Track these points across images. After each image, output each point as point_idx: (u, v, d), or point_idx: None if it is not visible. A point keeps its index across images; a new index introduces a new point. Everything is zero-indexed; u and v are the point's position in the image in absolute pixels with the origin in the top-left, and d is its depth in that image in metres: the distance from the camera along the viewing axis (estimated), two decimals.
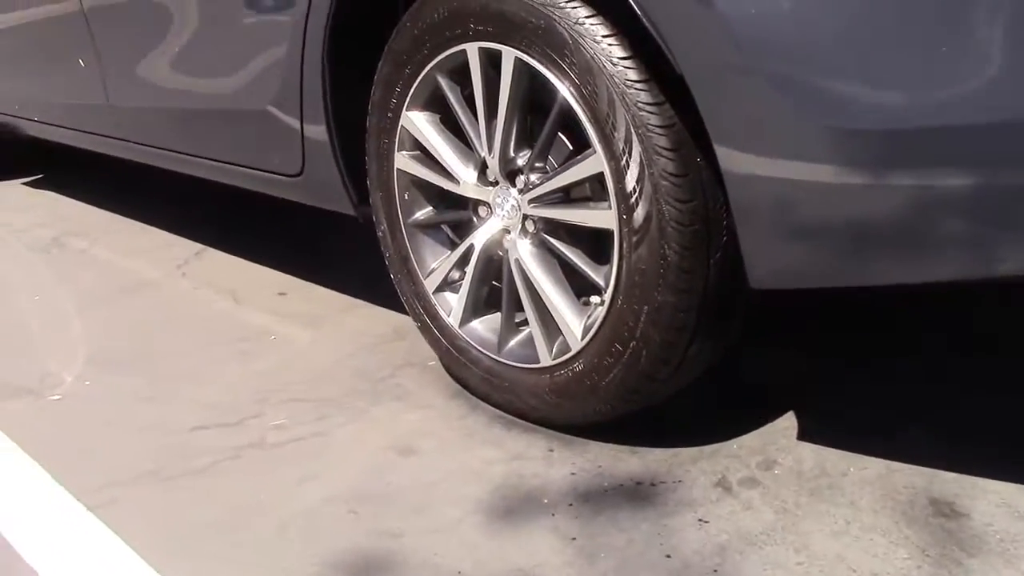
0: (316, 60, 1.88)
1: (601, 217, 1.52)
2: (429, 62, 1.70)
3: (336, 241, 2.78)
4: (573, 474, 1.58)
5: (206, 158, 2.33)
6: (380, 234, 1.92)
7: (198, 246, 2.86)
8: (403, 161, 1.81)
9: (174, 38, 2.26)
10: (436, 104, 1.76)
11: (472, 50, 1.62)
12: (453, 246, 1.84)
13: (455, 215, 1.81)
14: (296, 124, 1.99)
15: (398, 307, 2.04)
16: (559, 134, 1.59)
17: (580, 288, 1.64)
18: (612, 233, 1.50)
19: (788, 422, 1.69)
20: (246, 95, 2.09)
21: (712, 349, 1.56)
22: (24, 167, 3.86)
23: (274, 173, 2.13)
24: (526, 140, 1.64)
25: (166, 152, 2.48)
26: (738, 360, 1.85)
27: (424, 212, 1.85)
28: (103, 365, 2.10)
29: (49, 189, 3.66)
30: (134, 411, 1.89)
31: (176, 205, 3.24)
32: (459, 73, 1.69)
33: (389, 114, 1.80)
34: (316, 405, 1.86)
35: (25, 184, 3.76)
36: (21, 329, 2.37)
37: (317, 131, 1.96)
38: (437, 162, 1.77)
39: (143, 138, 2.55)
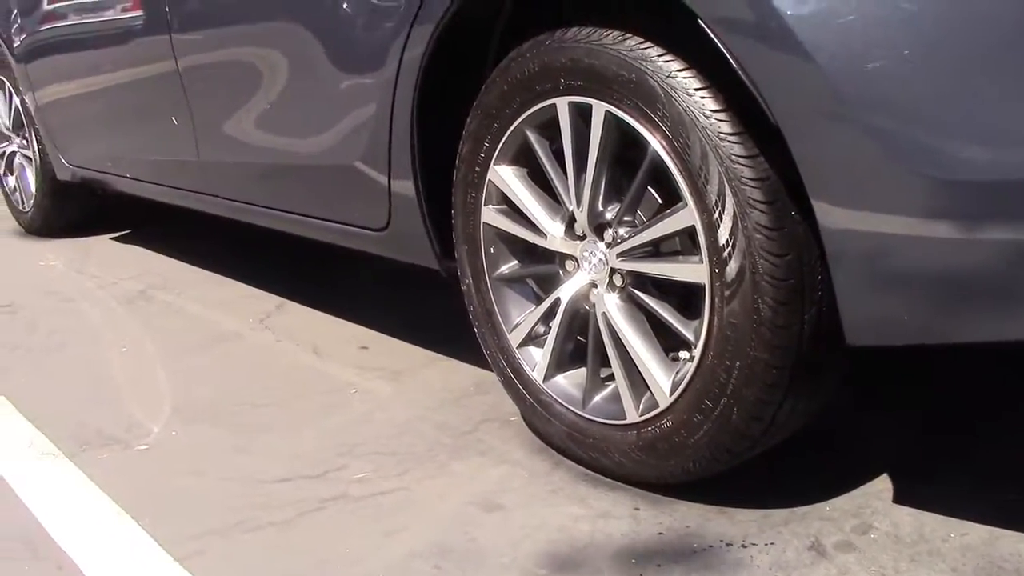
0: (405, 118, 1.90)
1: (692, 271, 1.50)
2: (518, 117, 1.71)
3: (416, 294, 2.79)
4: (661, 534, 1.55)
5: (293, 212, 2.37)
6: (464, 287, 1.92)
7: (278, 299, 2.90)
8: (490, 215, 1.82)
9: (265, 96, 2.31)
10: (524, 158, 1.77)
11: (562, 104, 1.62)
12: (538, 300, 1.83)
13: (541, 269, 1.81)
14: (384, 180, 2.01)
15: (480, 361, 2.04)
16: (648, 187, 1.58)
17: (668, 343, 1.62)
18: (703, 287, 1.48)
19: (884, 484, 1.64)
20: (334, 151, 2.13)
21: (805, 407, 1.52)
22: (112, 222, 3.95)
23: (360, 227, 2.15)
24: (615, 193, 1.63)
25: (254, 207, 2.52)
26: (832, 419, 1.80)
27: (509, 266, 1.85)
28: (189, 416, 2.13)
29: (136, 244, 3.74)
30: (220, 462, 1.90)
31: (257, 258, 3.29)
32: (548, 127, 1.69)
33: (476, 168, 1.81)
34: (399, 458, 1.86)
35: (114, 239, 3.86)
36: (108, 379, 2.41)
37: (404, 186, 1.98)
38: (524, 216, 1.77)
39: (232, 193, 2.60)
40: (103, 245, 3.79)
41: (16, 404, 2.24)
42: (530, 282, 1.86)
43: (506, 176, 1.77)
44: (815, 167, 1.30)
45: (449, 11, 1.74)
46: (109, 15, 2.94)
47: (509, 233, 1.80)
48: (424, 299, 2.75)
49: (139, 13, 2.76)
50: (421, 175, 1.96)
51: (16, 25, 3.52)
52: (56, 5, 3.25)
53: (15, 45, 3.54)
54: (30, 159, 3.81)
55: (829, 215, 1.31)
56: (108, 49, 2.99)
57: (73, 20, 3.18)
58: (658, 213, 1.57)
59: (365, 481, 1.78)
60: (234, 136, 2.49)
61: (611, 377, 1.69)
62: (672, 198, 1.52)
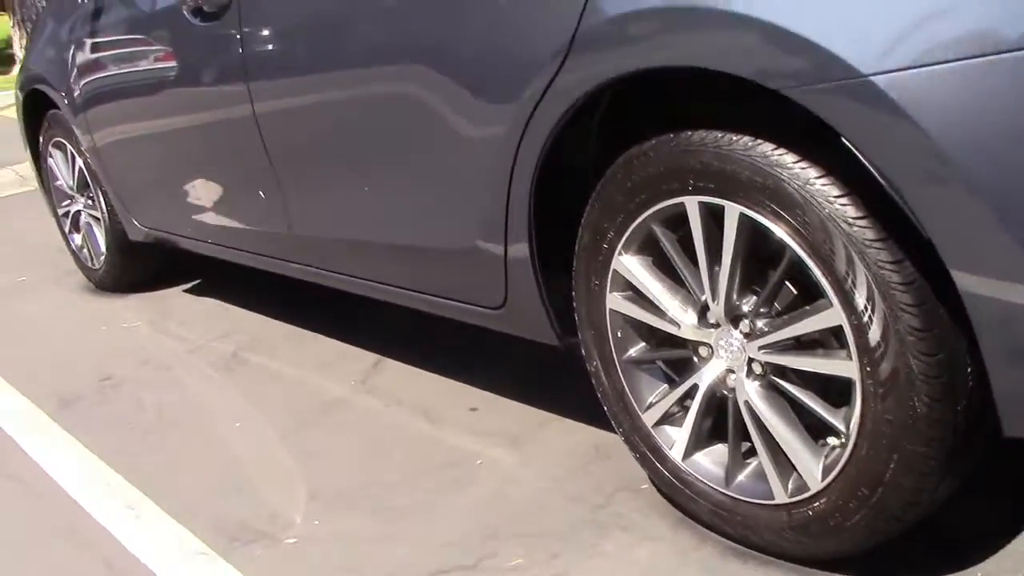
0: (523, 199, 1.93)
1: (840, 367, 1.56)
2: (643, 212, 1.76)
3: (517, 348, 2.77)
4: None
5: (402, 287, 2.41)
6: (592, 370, 1.98)
7: (373, 355, 2.96)
8: (616, 301, 1.88)
9: (369, 172, 2.33)
10: (648, 247, 1.82)
11: (691, 204, 1.67)
12: (669, 380, 1.90)
13: (673, 353, 1.86)
14: (500, 260, 2.05)
15: (594, 420, 2.11)
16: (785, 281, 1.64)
17: (810, 423, 1.68)
18: (851, 381, 1.54)
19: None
20: (450, 231, 2.16)
21: (952, 485, 1.58)
22: (183, 272, 3.99)
23: (475, 305, 2.20)
24: (749, 285, 1.69)
25: (356, 280, 2.57)
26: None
27: (638, 348, 1.91)
28: (326, 501, 2.20)
29: (212, 296, 3.80)
30: (371, 554, 1.98)
31: (341, 310, 3.30)
32: (674, 220, 1.74)
33: (600, 258, 1.86)
34: (545, 540, 1.93)
35: (187, 291, 3.92)
36: (233, 461, 2.48)
37: (522, 266, 2.01)
38: (653, 303, 1.83)
39: (329, 265, 2.64)
40: (179, 299, 3.85)
41: (154, 498, 2.32)
42: (660, 362, 1.92)
43: (632, 267, 1.83)
44: (969, 271, 1.35)
45: (573, 107, 1.77)
46: (179, 74, 2.94)
47: (638, 320, 1.86)
48: (526, 352, 2.77)
49: (215, 73, 2.75)
50: (539, 255, 2.00)
51: (75, 84, 3.52)
52: (122, 66, 3.24)
53: (76, 105, 3.56)
54: (97, 219, 3.87)
55: (985, 315, 1.37)
56: (180, 111, 3.00)
57: (141, 80, 3.16)
58: (795, 304, 1.63)
59: (520, 569, 1.86)
60: (330, 213, 2.53)
61: (752, 451, 1.75)
62: (808, 288, 1.58)
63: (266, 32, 2.48)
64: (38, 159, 4.17)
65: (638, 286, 1.83)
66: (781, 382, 1.68)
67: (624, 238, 1.81)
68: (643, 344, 1.91)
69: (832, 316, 1.53)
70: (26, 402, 3.04)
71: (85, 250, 4.07)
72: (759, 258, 1.66)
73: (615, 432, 1.99)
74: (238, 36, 2.54)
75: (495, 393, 2.59)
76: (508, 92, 1.86)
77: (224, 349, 3.23)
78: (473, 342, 2.79)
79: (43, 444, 2.76)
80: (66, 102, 3.63)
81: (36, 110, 3.99)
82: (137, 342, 3.45)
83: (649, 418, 1.90)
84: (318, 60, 2.34)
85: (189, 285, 3.97)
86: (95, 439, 2.73)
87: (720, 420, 1.81)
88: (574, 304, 1.98)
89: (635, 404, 1.92)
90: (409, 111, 2.10)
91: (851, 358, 1.52)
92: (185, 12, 2.72)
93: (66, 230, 4.16)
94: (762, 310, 1.67)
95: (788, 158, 1.53)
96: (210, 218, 3.12)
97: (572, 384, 1.95)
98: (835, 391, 1.63)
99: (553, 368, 2.54)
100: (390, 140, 2.22)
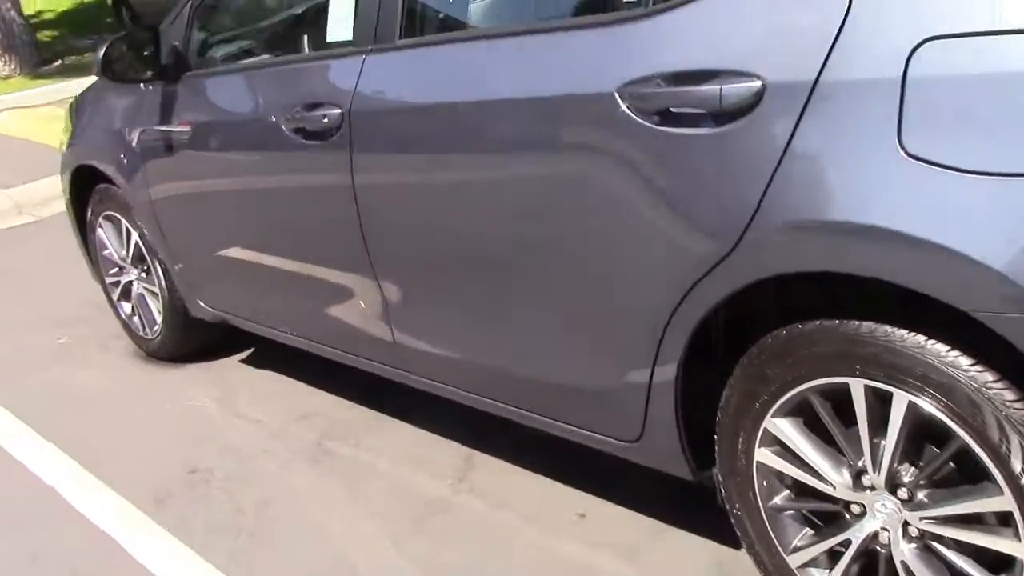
0: (677, 345, 2.01)
1: (1009, 546, 1.70)
2: (801, 384, 1.88)
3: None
4: None
5: (522, 409, 2.50)
6: (735, 513, 2.11)
7: (464, 448, 3.04)
8: (765, 456, 2.00)
9: (494, 297, 2.40)
10: (800, 410, 1.94)
11: (857, 386, 1.80)
12: (811, 523, 2.03)
13: (823, 506, 1.99)
14: (643, 396, 2.13)
15: (710, 533, 2.17)
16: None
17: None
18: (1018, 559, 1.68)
19: None
20: (590, 367, 2.25)
21: None
22: (238, 340, 4.01)
23: (607, 436, 2.31)
24: (908, 456, 1.82)
25: (466, 394, 2.66)
26: None
27: (783, 496, 2.04)
28: None
29: (272, 367, 3.82)
30: None
31: (417, 393, 3.28)
32: (833, 391, 1.86)
33: (749, 417, 1.99)
34: None
35: (244, 362, 3.97)
36: (354, 570, 2.57)
37: (664, 405, 2.11)
38: (804, 460, 1.95)
39: (439, 378, 2.72)
40: (240, 372, 3.90)
41: None
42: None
43: (785, 428, 1.95)
44: None
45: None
46: (272, 179, 2.99)
47: (786, 474, 1.99)
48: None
49: (317, 185, 2.78)
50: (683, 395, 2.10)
51: (141, 167, 3.54)
52: (202, 160, 3.27)
53: (139, 186, 3.60)
54: (153, 292, 3.91)
55: None
56: (273, 212, 3.05)
57: (224, 176, 3.21)
58: (954, 479, 1.77)
59: None
60: (444, 333, 2.61)
61: None
62: (967, 463, 1.72)
63: (383, 161, 2.56)
64: (83, 227, 4.19)
65: (791, 446, 1.96)
66: (939, 547, 1.81)
67: (778, 404, 1.93)
68: (788, 492, 2.04)
69: (1003, 503, 1.67)
70: (119, 499, 3.09)
71: (136, 319, 4.11)
72: (919, 431, 1.79)
73: (734, 547, 2.09)
74: (348, 159, 2.60)
75: (599, 496, 2.70)
76: (684, 253, 1.94)
77: (306, 436, 3.30)
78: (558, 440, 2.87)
79: (150, 548, 2.83)
80: (127, 181, 3.66)
81: (82, 182, 4.02)
82: (211, 425, 3.50)
83: (794, 561, 2.03)
84: (445, 186, 2.42)
85: (245, 355, 4.02)
86: (200, 541, 2.81)
87: (869, 566, 1.95)
88: (716, 451, 2.10)
89: (780, 547, 2.05)
90: (565, 255, 2.17)
91: (1020, 539, 1.67)
92: (286, 130, 2.78)
93: (114, 298, 4.18)
94: (922, 481, 1.81)
95: (963, 360, 1.66)
96: (292, 312, 3.19)
97: (682, 487, 2.04)
98: (991, 554, 1.77)
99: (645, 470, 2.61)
100: (536, 274, 2.27)
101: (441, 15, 2.66)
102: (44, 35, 13.89)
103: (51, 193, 7.03)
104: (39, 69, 12.00)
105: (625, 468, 2.56)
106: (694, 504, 2.07)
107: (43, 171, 7.55)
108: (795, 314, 1.87)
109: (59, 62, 12.35)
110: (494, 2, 2.64)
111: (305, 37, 3.30)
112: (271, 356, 3.89)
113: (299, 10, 3.45)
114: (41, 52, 12.44)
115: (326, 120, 2.63)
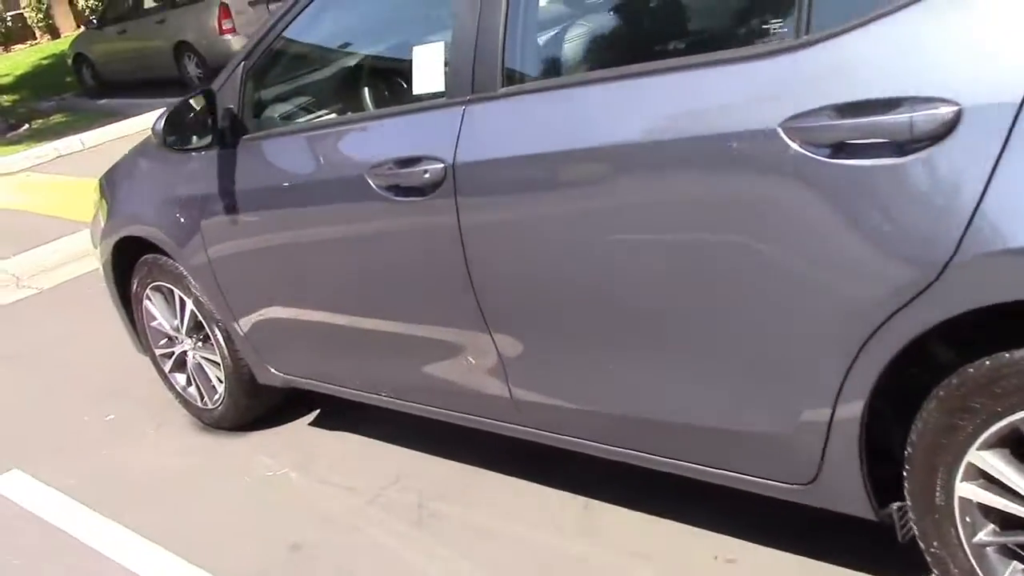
0: (866, 382, 1.94)
1: None
2: (1013, 414, 1.81)
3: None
4: None
5: (674, 459, 2.40)
6: (933, 551, 2.03)
7: (576, 497, 2.94)
8: (968, 490, 1.93)
9: (634, 343, 2.32)
10: (1006, 441, 1.87)
11: None
12: (1016, 556, 1.96)
13: None
14: (822, 437, 2.05)
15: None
16: None
17: None
18: None
19: None
20: (757, 410, 2.16)
21: None
22: (298, 401, 3.90)
23: (775, 481, 2.22)
24: None
25: (602, 446, 2.57)
26: None
27: (988, 531, 1.97)
28: None
29: (342, 428, 3.69)
30: None
31: (506, 441, 3.06)
32: None
33: (950, 451, 1.91)
34: None
35: (312, 425, 3.84)
36: None
37: (845, 444, 2.03)
38: (1015, 492, 1.88)
39: (566, 431, 2.62)
40: (310, 435, 3.76)
41: None
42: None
43: (992, 461, 1.88)
44: None
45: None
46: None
47: (992, 508, 1.92)
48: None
49: (416, 247, 2.69)
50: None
51: (188, 221, 3.42)
52: (273, 228, 3.15)
53: (187, 244, 3.47)
54: (212, 361, 3.78)
55: None
56: (347, 255, 2.94)
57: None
58: None
59: None
60: (578, 383, 2.51)
61: None
62: None
63: (497, 213, 2.47)
64: (127, 301, 4.05)
65: (1000, 479, 1.88)
66: None
67: (985, 435, 1.86)
68: (992, 527, 1.97)
69: None
70: None
71: (192, 389, 3.97)
72: None
73: None
74: (455, 213, 2.50)
75: (741, 538, 2.60)
76: (876, 287, 1.86)
77: (405, 500, 3.18)
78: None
79: None
80: (180, 247, 3.52)
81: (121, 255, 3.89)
82: (299, 496, 3.37)
83: None
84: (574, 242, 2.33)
85: (312, 416, 3.89)
86: None
87: None
88: (905, 488, 2.02)
89: None
90: (729, 299, 2.09)
91: None
92: (375, 187, 2.67)
93: (166, 370, 4.04)
94: None
95: None
96: (389, 374, 3.08)
97: (826, 526, 1.95)
98: None
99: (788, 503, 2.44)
100: (695, 321, 2.19)
101: (544, 60, 2.58)
102: (5, 99, 13.67)
103: (47, 262, 6.91)
104: (6, 135, 11.79)
105: (764, 505, 2.42)
106: (858, 542, 1.98)
107: (31, 240, 7.42)
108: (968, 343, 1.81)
109: (26, 126, 12.14)
110: (595, 46, 2.56)
111: (367, 91, 3.22)
112: (339, 416, 3.77)
113: (357, 64, 3.36)
114: (7, 117, 12.23)
115: (427, 175, 2.53)
